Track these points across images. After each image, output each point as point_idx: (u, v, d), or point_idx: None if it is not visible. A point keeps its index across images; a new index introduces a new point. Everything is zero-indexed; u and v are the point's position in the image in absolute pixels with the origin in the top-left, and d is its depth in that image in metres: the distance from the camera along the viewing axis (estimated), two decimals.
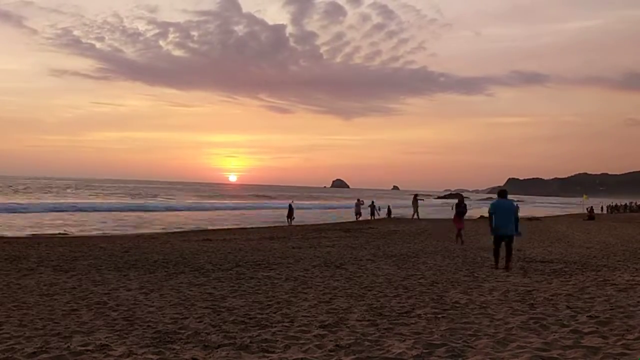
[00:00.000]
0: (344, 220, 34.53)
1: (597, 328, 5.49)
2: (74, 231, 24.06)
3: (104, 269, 10.31)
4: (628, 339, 5.01)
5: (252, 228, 27.50)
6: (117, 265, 10.88)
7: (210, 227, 28.44)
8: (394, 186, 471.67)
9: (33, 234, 21.68)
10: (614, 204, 76.08)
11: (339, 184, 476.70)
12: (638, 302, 6.90)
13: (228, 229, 26.52)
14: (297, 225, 29.08)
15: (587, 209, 44.17)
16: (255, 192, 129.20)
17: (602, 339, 5.07)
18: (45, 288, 8.14)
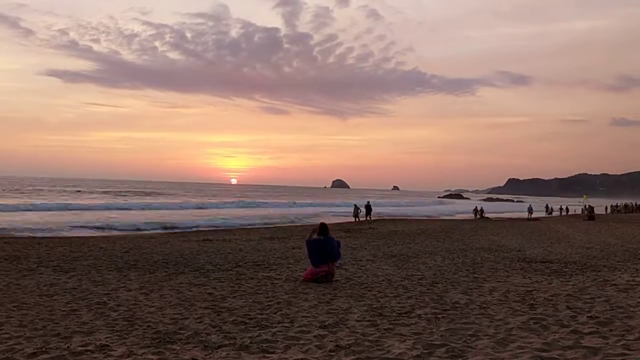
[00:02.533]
0: (344, 221, 34.55)
1: (597, 328, 5.49)
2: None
3: (104, 269, 10.31)
4: (628, 340, 5.01)
5: (252, 228, 27.50)
6: (117, 266, 10.87)
7: (210, 228, 28.44)
8: (394, 186, 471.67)
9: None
10: (615, 204, 76.30)
11: (339, 184, 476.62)
12: (638, 302, 6.90)
13: (228, 229, 26.51)
14: (297, 226, 29.09)
15: (584, 208, 43.80)
16: (254, 192, 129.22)
17: (602, 339, 5.08)
18: (45, 288, 8.14)
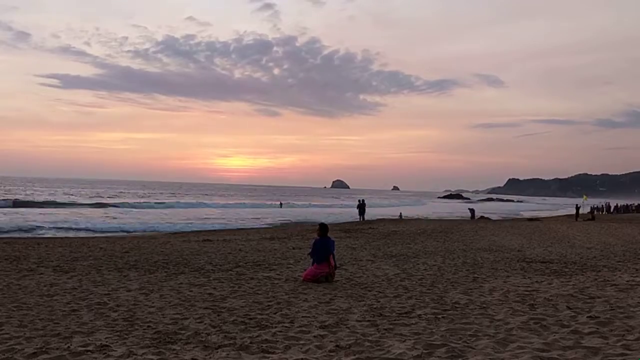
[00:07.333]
0: (344, 221, 34.53)
1: (597, 329, 5.49)
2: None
3: (104, 270, 10.31)
4: (628, 340, 5.01)
5: (252, 228, 27.49)
6: (117, 266, 10.87)
7: (210, 228, 28.44)
8: (394, 186, 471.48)
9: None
10: (616, 204, 76.40)
11: (339, 184, 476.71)
12: (638, 302, 6.90)
13: (228, 230, 26.50)
14: (297, 226, 29.08)
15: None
16: (253, 192, 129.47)
17: (602, 339, 5.07)
18: (46, 289, 8.14)
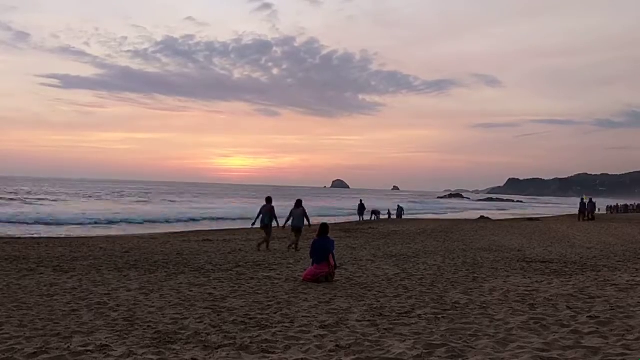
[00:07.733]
0: (344, 221, 34.54)
1: (597, 328, 5.49)
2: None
3: (104, 270, 10.31)
4: (628, 340, 5.01)
5: (252, 228, 27.44)
6: (118, 266, 10.87)
7: (210, 228, 28.43)
8: (394, 186, 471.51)
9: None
10: (617, 204, 76.31)
11: (339, 184, 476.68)
12: (638, 302, 6.90)
13: (228, 229, 26.50)
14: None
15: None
16: (253, 192, 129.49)
17: (602, 339, 5.07)
18: (46, 288, 8.14)
